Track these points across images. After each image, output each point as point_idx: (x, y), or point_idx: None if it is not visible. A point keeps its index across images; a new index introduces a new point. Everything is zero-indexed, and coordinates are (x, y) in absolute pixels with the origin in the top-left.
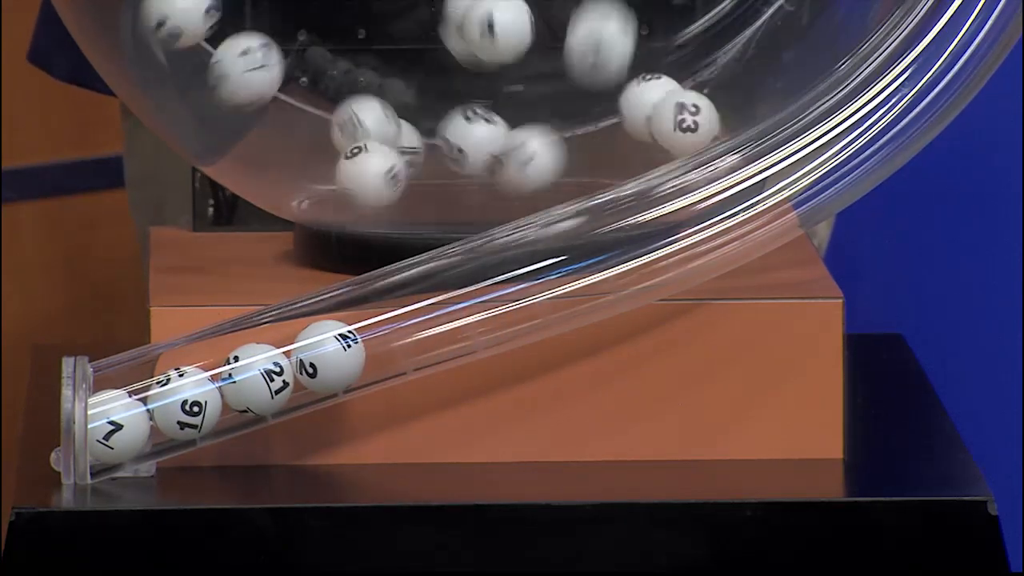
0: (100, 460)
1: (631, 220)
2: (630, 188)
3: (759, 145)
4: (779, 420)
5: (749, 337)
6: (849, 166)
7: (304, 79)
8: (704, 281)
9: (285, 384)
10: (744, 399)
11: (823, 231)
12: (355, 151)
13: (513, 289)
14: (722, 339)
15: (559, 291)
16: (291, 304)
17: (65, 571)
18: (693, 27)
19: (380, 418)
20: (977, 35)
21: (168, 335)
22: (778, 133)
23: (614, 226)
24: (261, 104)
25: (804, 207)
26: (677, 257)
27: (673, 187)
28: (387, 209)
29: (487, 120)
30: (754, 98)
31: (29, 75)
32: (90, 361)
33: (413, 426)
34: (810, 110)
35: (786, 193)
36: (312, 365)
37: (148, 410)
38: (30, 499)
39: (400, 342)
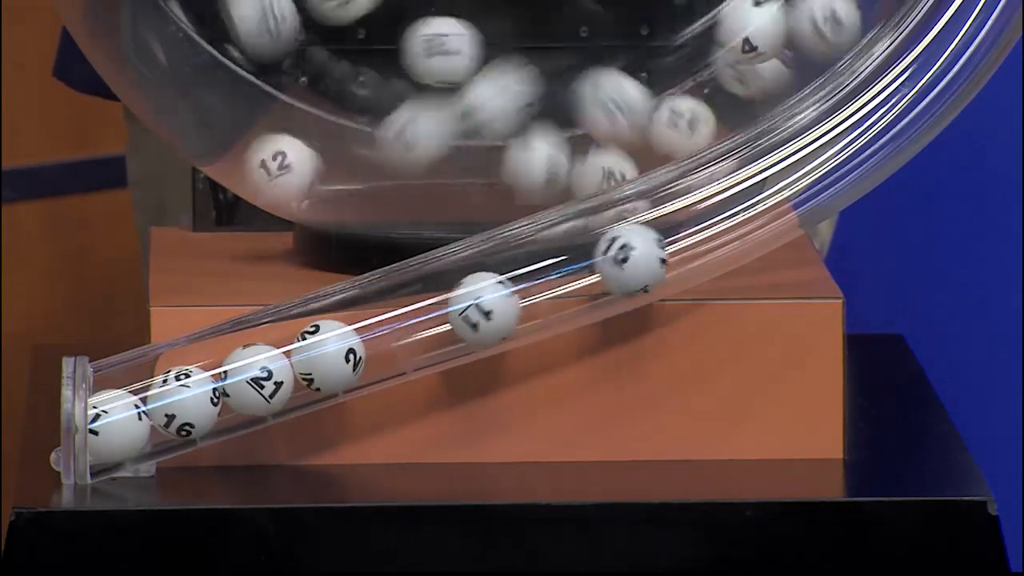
0: (100, 460)
1: (631, 220)
2: (630, 188)
3: (759, 145)
4: (779, 420)
5: (749, 337)
6: (849, 166)
7: (304, 79)
8: (704, 281)
9: (277, 386)
10: (744, 399)
11: (825, 231)
12: None
13: (513, 289)
14: (722, 339)
15: (559, 291)
16: (291, 304)
17: (65, 571)
18: (693, 27)
19: (380, 418)
20: (977, 35)
21: (168, 335)
22: (778, 133)
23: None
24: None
25: (804, 207)
26: (677, 257)
27: (673, 187)
28: (388, 209)
29: None
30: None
31: (29, 75)
32: (90, 361)
33: (413, 426)
34: (810, 110)
35: (786, 193)
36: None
37: (147, 410)
38: (30, 499)
39: (400, 342)
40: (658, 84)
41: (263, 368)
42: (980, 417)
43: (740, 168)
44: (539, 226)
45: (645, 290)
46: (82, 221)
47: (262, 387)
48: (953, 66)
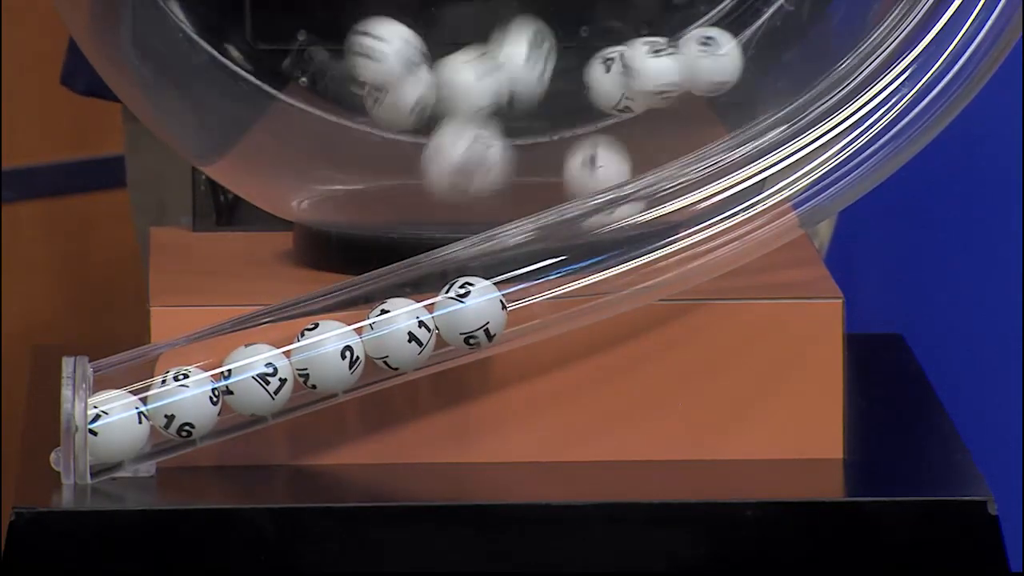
0: (100, 460)
1: (631, 220)
2: (630, 188)
3: (759, 145)
4: (779, 420)
5: (749, 337)
6: (849, 166)
7: (304, 79)
8: (704, 281)
9: (282, 383)
10: (744, 399)
11: (825, 231)
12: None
13: (513, 289)
14: (722, 339)
15: (559, 291)
16: (291, 304)
17: (65, 571)
18: (693, 27)
19: (380, 418)
20: (977, 35)
21: (168, 335)
22: (778, 133)
23: (614, 226)
24: None
25: (804, 207)
26: (677, 257)
27: (673, 187)
28: (388, 209)
29: None
30: (754, 98)
31: (29, 76)
32: (90, 361)
33: (413, 426)
34: (810, 110)
35: (786, 193)
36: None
37: (147, 410)
38: (30, 499)
39: None
40: None
41: (268, 364)
42: (980, 417)
43: (740, 168)
44: (538, 226)
45: (487, 333)
46: (82, 221)
47: (267, 383)
48: (953, 66)
